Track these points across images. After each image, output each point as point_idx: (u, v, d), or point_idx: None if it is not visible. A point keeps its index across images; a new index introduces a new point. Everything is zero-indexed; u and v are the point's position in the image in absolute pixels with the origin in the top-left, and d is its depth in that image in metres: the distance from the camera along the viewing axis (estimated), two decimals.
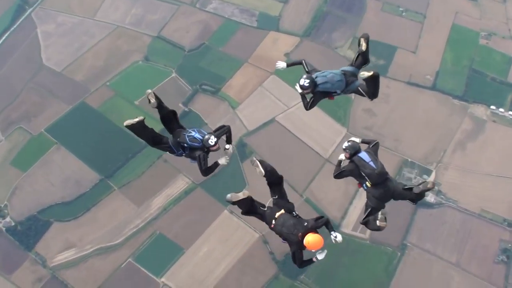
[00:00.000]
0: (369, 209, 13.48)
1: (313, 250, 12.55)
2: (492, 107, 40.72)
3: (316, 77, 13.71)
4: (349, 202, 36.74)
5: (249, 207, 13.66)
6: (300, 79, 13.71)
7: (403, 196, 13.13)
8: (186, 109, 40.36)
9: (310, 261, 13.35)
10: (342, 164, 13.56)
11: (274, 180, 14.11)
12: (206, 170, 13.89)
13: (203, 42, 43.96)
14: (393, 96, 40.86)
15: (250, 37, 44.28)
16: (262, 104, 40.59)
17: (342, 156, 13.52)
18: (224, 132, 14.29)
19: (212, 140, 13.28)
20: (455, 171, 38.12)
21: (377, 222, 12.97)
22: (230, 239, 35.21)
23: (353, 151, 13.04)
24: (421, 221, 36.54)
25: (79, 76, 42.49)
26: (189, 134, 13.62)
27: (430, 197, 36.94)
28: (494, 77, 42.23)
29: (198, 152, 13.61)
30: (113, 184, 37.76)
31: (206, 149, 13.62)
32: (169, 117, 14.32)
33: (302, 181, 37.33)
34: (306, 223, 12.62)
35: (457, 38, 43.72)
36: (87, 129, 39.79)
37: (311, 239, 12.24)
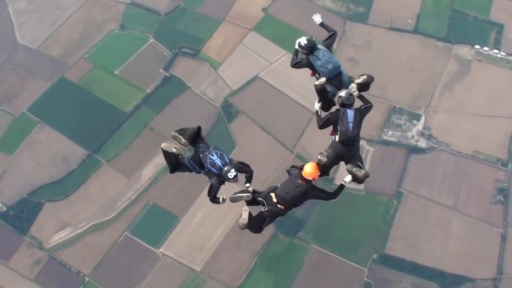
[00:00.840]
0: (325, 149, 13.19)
1: (315, 176, 12.51)
2: (477, 46, 39.12)
3: (318, 49, 13.37)
4: None
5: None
6: (302, 36, 13.26)
7: (353, 164, 12.79)
8: (167, 74, 38.64)
9: (342, 187, 13.22)
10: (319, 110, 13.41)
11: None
12: (212, 199, 13.43)
13: (178, 5, 41.78)
14: (375, 43, 39.25)
15: None
16: (244, 62, 38.86)
17: (317, 106, 13.46)
18: (246, 171, 13.62)
19: (232, 174, 12.61)
20: (444, 114, 36.84)
21: (318, 155, 12.72)
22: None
23: (347, 102, 12.83)
24: (414, 167, 35.53)
25: (55, 51, 40.55)
26: (211, 157, 12.92)
27: (421, 142, 35.90)
28: (476, 16, 40.43)
29: (213, 180, 13.03)
30: (101, 158, 36.44)
31: (222, 178, 12.87)
32: (194, 134, 13.41)
33: (291, 136, 36.01)
34: (289, 173, 13.06)
35: None
36: (69, 105, 38.18)
37: (308, 169, 12.45)
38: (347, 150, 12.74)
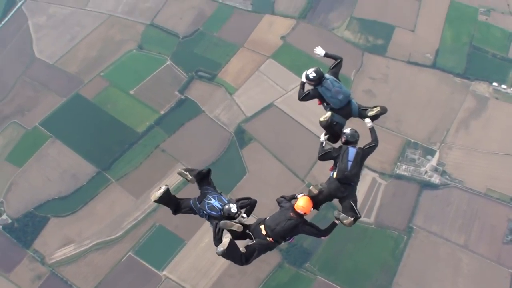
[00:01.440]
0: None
1: (307, 211, 11.62)
2: (494, 84, 38.64)
3: (326, 79, 12.70)
4: None
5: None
6: (309, 69, 12.39)
7: (345, 209, 12.02)
8: (182, 97, 38.42)
9: (334, 225, 12.32)
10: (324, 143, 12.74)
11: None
12: (214, 240, 12.60)
13: (198, 28, 41.80)
14: (393, 76, 38.85)
15: (245, 21, 42.08)
16: (260, 89, 38.56)
17: (323, 138, 12.73)
18: (247, 204, 12.92)
19: (234, 208, 12.05)
20: (459, 150, 36.22)
21: (310, 187, 11.80)
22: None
23: (351, 140, 12.14)
24: (427, 202, 34.76)
25: (72, 67, 40.61)
26: (209, 202, 12.41)
27: (435, 178, 35.18)
28: (495, 53, 40.00)
29: (215, 222, 12.39)
30: (110, 176, 36.07)
31: (226, 216, 12.27)
32: (204, 175, 12.90)
33: (303, 166, 35.52)
34: (280, 204, 12.28)
35: (455, 15, 41.43)
36: (82, 121, 38.06)
37: (301, 203, 11.59)
38: (342, 189, 12.09)
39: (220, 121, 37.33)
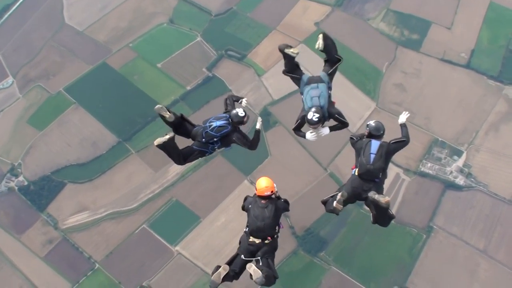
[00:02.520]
0: (338, 192, 12.48)
1: (272, 188, 12.16)
2: None
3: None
4: None
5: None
6: (309, 112, 13.25)
7: (369, 204, 12.13)
8: (210, 74, 37.73)
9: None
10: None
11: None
12: (254, 143, 13.30)
13: (231, 7, 41.05)
14: (425, 72, 37.89)
15: (279, 4, 41.18)
16: None
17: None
18: (236, 98, 14.36)
19: (240, 111, 12.76)
20: (486, 153, 35.22)
21: (334, 203, 11.98)
22: None
23: (375, 133, 12.40)
24: (449, 203, 33.78)
25: (101, 36, 40.18)
26: (211, 127, 12.76)
27: (459, 179, 34.26)
28: None
29: (234, 135, 12.88)
30: (130, 147, 35.64)
31: (236, 126, 12.92)
32: (179, 122, 13.47)
33: (327, 155, 34.75)
34: (244, 208, 12.90)
35: (494, 17, 40.24)
36: (106, 90, 37.66)
37: (263, 183, 12.11)
38: (366, 187, 11.84)
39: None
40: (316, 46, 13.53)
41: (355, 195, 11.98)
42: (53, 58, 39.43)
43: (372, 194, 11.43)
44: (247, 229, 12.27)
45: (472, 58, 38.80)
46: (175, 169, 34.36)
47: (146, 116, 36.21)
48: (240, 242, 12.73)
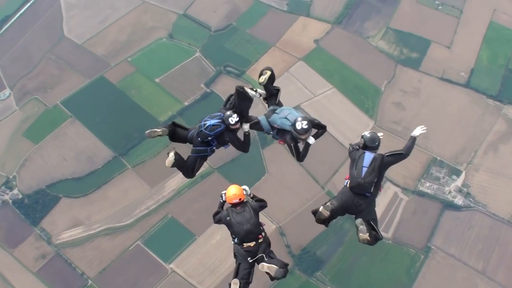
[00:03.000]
0: (331, 200, 11.95)
1: (241, 196, 12.13)
2: None
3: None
4: None
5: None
6: (297, 123, 12.26)
7: (362, 219, 11.58)
8: (208, 90, 37.33)
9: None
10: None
11: None
12: (244, 145, 13.23)
13: (230, 23, 40.74)
14: (425, 90, 37.61)
15: (279, 21, 40.91)
16: (288, 90, 36.86)
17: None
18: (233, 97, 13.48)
19: (233, 116, 12.53)
20: (485, 173, 34.86)
21: (321, 207, 11.60)
22: None
23: (369, 145, 11.68)
24: (447, 223, 33.41)
25: (100, 50, 39.74)
26: (205, 126, 12.74)
27: (458, 199, 33.89)
28: None
29: (227, 135, 12.82)
30: (126, 162, 35.09)
31: (228, 127, 12.76)
32: (173, 130, 13.58)
33: (324, 173, 34.35)
34: (220, 219, 12.59)
35: (494, 36, 40.05)
36: (104, 104, 37.18)
37: (232, 191, 12.10)
38: (356, 200, 11.31)
39: None
40: (261, 81, 12.98)
41: (344, 208, 11.53)
42: (51, 71, 38.98)
43: (359, 223, 11.28)
44: (236, 239, 12.14)
45: (472, 77, 38.58)
46: (171, 185, 33.94)
47: (142, 131, 35.16)
48: (235, 255, 12.50)
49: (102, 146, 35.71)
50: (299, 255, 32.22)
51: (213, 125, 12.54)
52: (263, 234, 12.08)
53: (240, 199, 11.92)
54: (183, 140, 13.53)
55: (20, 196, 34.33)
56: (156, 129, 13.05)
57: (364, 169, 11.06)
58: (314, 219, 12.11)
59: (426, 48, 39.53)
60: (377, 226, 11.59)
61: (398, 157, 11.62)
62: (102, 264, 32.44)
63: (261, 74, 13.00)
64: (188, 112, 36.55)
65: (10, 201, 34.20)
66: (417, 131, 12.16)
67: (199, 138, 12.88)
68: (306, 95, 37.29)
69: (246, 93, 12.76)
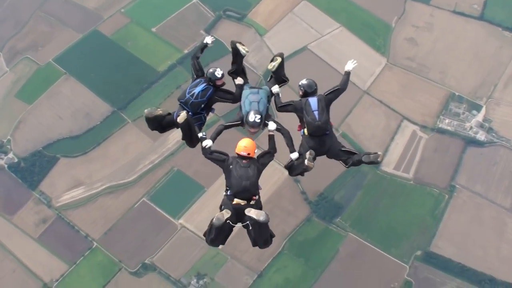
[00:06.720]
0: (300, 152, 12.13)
1: (251, 150, 11.44)
2: None
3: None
4: (391, 138, 31.48)
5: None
6: (250, 114, 11.83)
7: (337, 156, 12.08)
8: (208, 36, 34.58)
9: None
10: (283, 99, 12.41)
11: None
12: (237, 96, 12.48)
13: None
14: (437, 25, 34.94)
15: None
16: (293, 31, 34.69)
17: (276, 89, 12.45)
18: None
19: (218, 70, 12.21)
20: (507, 107, 32.39)
21: (305, 161, 11.33)
22: None
23: (309, 90, 11.99)
24: (471, 160, 31.00)
25: (91, 3, 36.87)
26: (195, 95, 12.11)
27: (480, 135, 31.46)
28: None
29: (216, 94, 12.37)
30: (126, 116, 32.68)
31: (216, 86, 12.29)
32: (159, 120, 12.43)
33: (337, 114, 31.47)
34: (228, 166, 11.84)
35: None
36: (99, 59, 34.59)
37: (244, 143, 11.48)
38: (321, 142, 11.72)
39: (249, 63, 33.20)
40: (270, 67, 12.59)
41: (316, 153, 11.60)
42: (41, 29, 36.13)
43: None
44: (229, 191, 11.66)
45: (485, 9, 35.82)
46: (175, 137, 31.10)
47: (142, 83, 33.39)
48: (221, 207, 11.88)
49: (99, 101, 33.21)
50: (316, 201, 29.89)
51: (202, 90, 12.08)
52: (257, 197, 11.53)
53: (248, 154, 11.39)
54: (173, 124, 12.43)
55: (16, 160, 31.92)
56: (157, 110, 12.22)
57: (316, 113, 11.47)
58: (290, 174, 12.58)
59: None
60: (350, 149, 11.95)
61: (336, 92, 12.03)
62: (107, 224, 30.24)
63: (272, 60, 12.60)
64: (189, 59, 33.37)
65: (6, 165, 31.79)
66: (349, 66, 12.26)
67: (190, 113, 11.93)
68: (313, 36, 34.58)
69: (238, 50, 12.45)
